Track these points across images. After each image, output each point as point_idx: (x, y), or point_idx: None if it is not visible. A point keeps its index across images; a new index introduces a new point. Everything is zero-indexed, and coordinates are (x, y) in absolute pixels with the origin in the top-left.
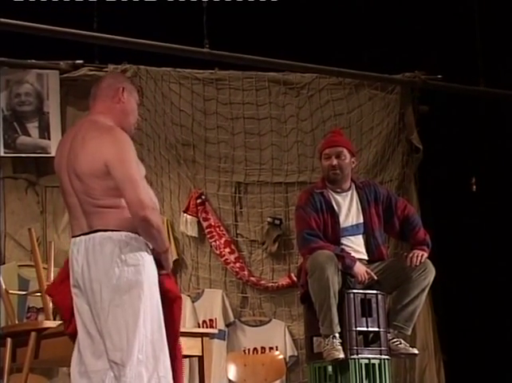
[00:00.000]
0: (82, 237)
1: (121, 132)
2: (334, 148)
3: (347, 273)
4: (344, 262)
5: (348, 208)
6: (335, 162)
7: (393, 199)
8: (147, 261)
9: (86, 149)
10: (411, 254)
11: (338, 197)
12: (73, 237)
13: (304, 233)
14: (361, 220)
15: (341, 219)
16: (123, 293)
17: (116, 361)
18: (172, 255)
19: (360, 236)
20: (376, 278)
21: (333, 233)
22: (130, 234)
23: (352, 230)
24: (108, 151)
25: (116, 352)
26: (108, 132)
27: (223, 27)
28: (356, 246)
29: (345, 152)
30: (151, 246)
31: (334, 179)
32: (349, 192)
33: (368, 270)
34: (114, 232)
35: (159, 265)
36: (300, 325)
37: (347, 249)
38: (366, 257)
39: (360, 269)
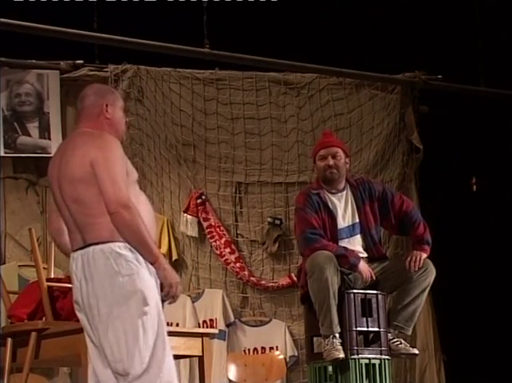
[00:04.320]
0: (79, 252)
1: (110, 137)
2: (329, 148)
3: (349, 273)
4: (349, 261)
5: (344, 209)
6: (331, 162)
7: (389, 195)
8: (142, 268)
9: (76, 154)
10: (409, 258)
11: (334, 198)
12: (72, 252)
13: (307, 233)
14: (357, 220)
15: (338, 220)
16: (121, 304)
17: (119, 372)
18: (171, 276)
19: (357, 236)
20: (374, 278)
21: (331, 234)
22: (121, 243)
23: (349, 231)
24: (94, 152)
25: (117, 363)
26: (97, 136)
27: (223, 27)
28: (353, 247)
29: (340, 152)
30: None
31: (331, 179)
32: (344, 192)
33: (372, 271)
34: (105, 244)
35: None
36: (300, 326)
37: None
38: (366, 255)
39: (364, 267)
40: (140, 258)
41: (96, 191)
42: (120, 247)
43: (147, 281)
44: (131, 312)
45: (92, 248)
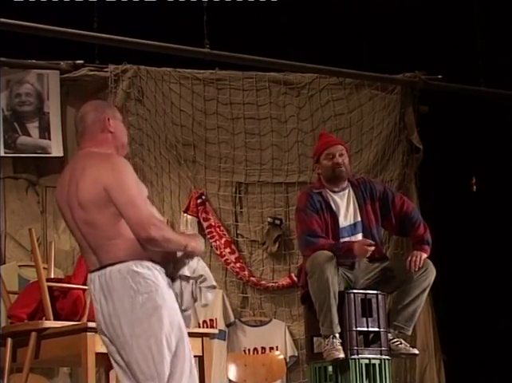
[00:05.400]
0: (95, 273)
1: (119, 158)
2: (335, 146)
3: (352, 266)
4: (345, 254)
5: (346, 208)
6: (340, 160)
7: (390, 195)
8: (160, 284)
9: (86, 177)
10: (409, 258)
11: (336, 197)
12: (89, 273)
13: (305, 236)
14: (359, 218)
15: (340, 219)
16: (143, 322)
17: None
18: (198, 242)
19: (359, 235)
20: (373, 244)
21: (333, 233)
22: (137, 261)
23: (350, 230)
24: (107, 176)
25: (148, 381)
26: (106, 159)
27: (223, 27)
28: None
29: (345, 150)
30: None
31: (340, 177)
32: (346, 191)
33: (367, 242)
34: (122, 264)
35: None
36: (300, 326)
37: None
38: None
39: (360, 248)
40: (158, 274)
41: (108, 214)
42: (137, 265)
43: (167, 297)
44: (154, 329)
45: (108, 269)
